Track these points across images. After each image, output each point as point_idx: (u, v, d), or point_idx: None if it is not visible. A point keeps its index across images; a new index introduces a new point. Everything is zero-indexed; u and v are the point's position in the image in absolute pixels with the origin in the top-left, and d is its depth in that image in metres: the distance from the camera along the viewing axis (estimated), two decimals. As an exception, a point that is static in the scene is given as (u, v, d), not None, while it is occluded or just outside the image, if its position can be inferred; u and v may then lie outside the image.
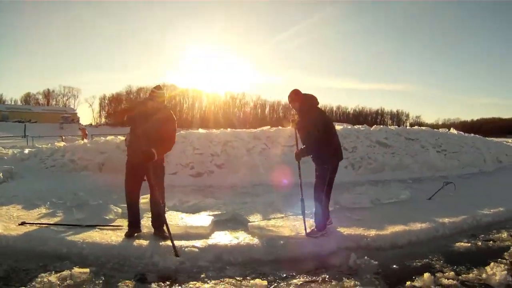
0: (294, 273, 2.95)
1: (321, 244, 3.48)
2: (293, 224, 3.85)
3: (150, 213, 3.75)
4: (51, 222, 4.05)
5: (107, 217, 4.30)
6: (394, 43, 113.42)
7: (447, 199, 5.26)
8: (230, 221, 4.27)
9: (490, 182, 7.14)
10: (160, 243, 3.44)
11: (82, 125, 52.08)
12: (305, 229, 3.67)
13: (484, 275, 2.79)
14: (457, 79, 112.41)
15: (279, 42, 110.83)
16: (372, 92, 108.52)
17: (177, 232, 3.61)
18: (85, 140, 22.29)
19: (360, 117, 73.56)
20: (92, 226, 3.89)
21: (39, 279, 2.73)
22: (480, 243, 3.65)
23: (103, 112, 73.41)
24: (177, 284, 2.76)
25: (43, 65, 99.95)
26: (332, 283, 2.76)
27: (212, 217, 4.14)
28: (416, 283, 2.70)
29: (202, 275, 2.91)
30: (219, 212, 4.46)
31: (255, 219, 4.09)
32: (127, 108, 3.33)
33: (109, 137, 9.12)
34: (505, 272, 2.76)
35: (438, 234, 3.85)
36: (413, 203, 5.06)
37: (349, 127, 11.00)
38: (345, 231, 3.78)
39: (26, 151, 8.59)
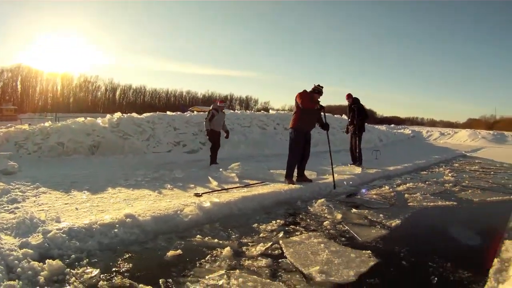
0: (384, 186, 5.26)
1: (371, 176, 6.09)
2: (347, 168, 6.39)
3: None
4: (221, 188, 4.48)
5: (232, 180, 5.04)
6: (249, 33, 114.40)
7: (384, 159, 8.69)
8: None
9: (390, 151, 11.23)
10: (315, 183, 5.01)
11: None
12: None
13: (446, 178, 6.27)
14: (300, 66, 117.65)
15: (131, 25, 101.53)
16: (223, 78, 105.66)
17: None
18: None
19: (210, 102, 72.87)
20: (252, 185, 4.75)
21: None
22: (430, 172, 7.32)
23: None
24: (355, 196, 4.59)
25: None
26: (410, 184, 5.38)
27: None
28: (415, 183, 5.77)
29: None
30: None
31: (323, 167, 6.31)
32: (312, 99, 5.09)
33: (77, 119, 8.08)
34: (453, 178, 6.40)
35: (407, 170, 7.26)
36: (374, 161, 8.24)
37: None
38: (370, 170, 6.53)
39: None
